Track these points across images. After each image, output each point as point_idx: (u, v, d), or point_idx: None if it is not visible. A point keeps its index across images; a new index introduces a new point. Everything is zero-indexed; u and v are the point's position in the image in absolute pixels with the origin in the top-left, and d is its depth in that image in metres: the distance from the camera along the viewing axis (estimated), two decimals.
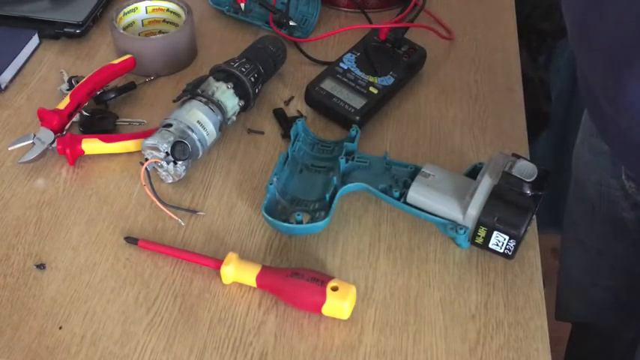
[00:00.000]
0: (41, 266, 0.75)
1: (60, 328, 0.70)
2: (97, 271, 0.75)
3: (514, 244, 0.73)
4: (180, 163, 0.81)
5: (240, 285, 0.74)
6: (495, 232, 0.73)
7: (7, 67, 0.96)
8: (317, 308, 0.70)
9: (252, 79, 0.90)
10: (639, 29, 0.63)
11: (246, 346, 0.69)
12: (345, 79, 0.93)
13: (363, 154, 0.84)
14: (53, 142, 0.85)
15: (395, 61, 0.96)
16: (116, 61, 0.93)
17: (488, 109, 0.95)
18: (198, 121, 0.83)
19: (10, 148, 0.85)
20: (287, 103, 0.95)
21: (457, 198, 0.76)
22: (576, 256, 1.09)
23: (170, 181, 0.84)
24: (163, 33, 1.02)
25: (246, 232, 0.79)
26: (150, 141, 0.81)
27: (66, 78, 0.96)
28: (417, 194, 0.77)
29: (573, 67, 1.53)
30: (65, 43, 1.03)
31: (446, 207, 0.76)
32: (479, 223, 0.74)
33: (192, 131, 0.82)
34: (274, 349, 0.69)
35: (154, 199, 0.80)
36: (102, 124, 0.90)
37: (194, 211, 0.81)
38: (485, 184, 0.75)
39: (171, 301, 0.73)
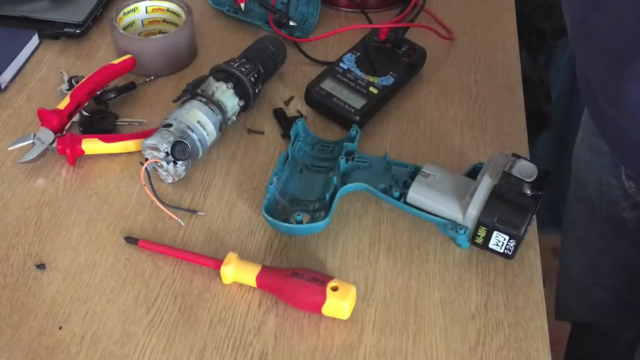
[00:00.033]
0: (41, 266, 0.75)
1: (60, 328, 0.70)
2: (97, 271, 0.75)
3: (514, 244, 0.73)
4: (180, 163, 0.81)
5: (240, 285, 0.74)
6: (495, 232, 0.73)
7: (7, 67, 0.96)
8: (317, 308, 0.70)
9: (252, 79, 0.90)
10: (639, 29, 0.63)
11: (246, 346, 0.69)
12: (345, 79, 0.93)
13: (363, 154, 0.84)
14: (53, 142, 0.85)
15: (395, 61, 0.96)
16: (116, 61, 0.93)
17: (488, 109, 0.95)
18: (198, 121, 0.83)
19: (10, 148, 0.85)
20: (287, 103, 0.95)
21: (457, 198, 0.76)
22: (576, 256, 1.09)
23: (170, 181, 0.84)
24: (163, 33, 1.02)
25: (246, 232, 0.79)
26: (150, 141, 0.81)
27: (66, 78, 0.96)
28: (417, 194, 0.77)
29: (573, 67, 1.53)
30: (65, 43, 1.03)
31: (446, 207, 0.76)
32: (479, 223, 0.74)
33: (192, 131, 0.82)
34: (274, 349, 0.69)
35: (154, 199, 0.80)
36: (102, 124, 0.90)
37: (194, 211, 0.81)
38: (485, 184, 0.75)
39: (171, 301, 0.73)
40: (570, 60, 1.55)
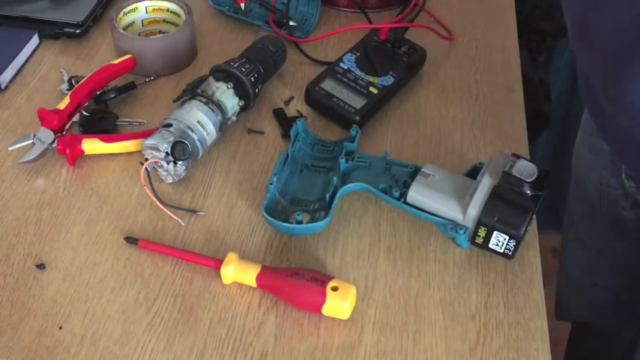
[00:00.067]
0: (41, 266, 0.75)
1: (60, 328, 0.70)
2: (97, 271, 0.75)
3: (514, 244, 0.73)
4: (180, 163, 0.81)
5: (240, 285, 0.74)
6: (495, 232, 0.73)
7: (7, 67, 0.96)
8: (317, 308, 0.70)
9: (252, 79, 0.90)
10: (639, 29, 0.63)
11: (246, 346, 0.69)
12: (345, 79, 0.93)
13: (363, 154, 0.84)
14: (53, 142, 0.85)
15: (395, 61, 0.96)
16: (116, 61, 0.93)
17: (488, 109, 0.95)
18: (198, 121, 0.83)
19: (10, 148, 0.85)
20: (287, 103, 0.95)
21: (457, 198, 0.76)
22: (576, 256, 1.09)
23: (170, 181, 0.84)
24: (163, 33, 1.02)
25: (246, 232, 0.79)
26: (150, 141, 0.81)
27: (66, 78, 0.96)
28: (417, 194, 0.77)
29: (573, 66, 1.53)
30: (65, 43, 1.03)
31: (446, 207, 0.76)
32: (479, 223, 0.74)
33: (192, 131, 0.82)
34: (274, 349, 0.69)
35: (154, 199, 0.80)
36: (102, 124, 0.90)
37: (194, 211, 0.81)
38: (485, 184, 0.75)
39: (171, 301, 0.73)
40: (570, 60, 1.55)
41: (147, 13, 1.02)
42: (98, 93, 0.92)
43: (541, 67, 1.54)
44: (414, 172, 0.80)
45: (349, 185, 0.80)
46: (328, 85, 0.92)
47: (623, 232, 0.95)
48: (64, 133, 0.87)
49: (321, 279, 0.71)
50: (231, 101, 0.87)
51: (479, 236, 0.75)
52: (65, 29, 1.03)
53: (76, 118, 0.90)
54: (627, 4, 0.64)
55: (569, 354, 1.30)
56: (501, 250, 0.75)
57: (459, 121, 0.93)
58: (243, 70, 0.89)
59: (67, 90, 0.92)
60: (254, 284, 0.73)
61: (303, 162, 0.85)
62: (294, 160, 0.85)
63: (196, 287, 0.74)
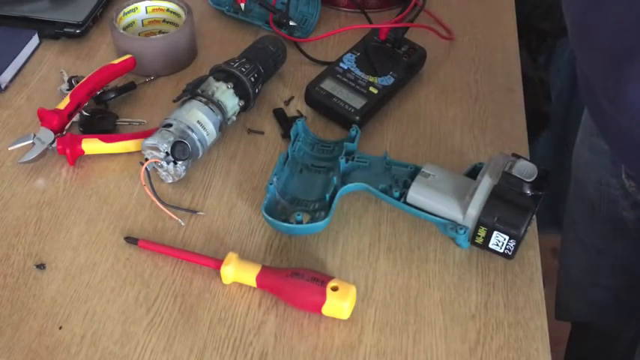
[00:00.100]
0: (41, 266, 0.75)
1: (60, 328, 0.70)
2: (97, 271, 0.75)
3: (514, 244, 0.73)
4: (180, 163, 0.81)
5: (240, 285, 0.74)
6: (495, 232, 0.73)
7: (7, 67, 0.96)
8: (317, 308, 0.70)
9: (252, 79, 0.90)
10: (639, 29, 0.63)
11: (246, 346, 0.69)
12: (345, 79, 0.93)
13: (363, 154, 0.84)
14: (53, 142, 0.85)
15: (395, 61, 0.96)
16: (116, 61, 0.93)
17: (488, 109, 0.95)
18: (198, 121, 0.83)
19: (10, 148, 0.85)
20: (287, 103, 0.95)
21: (457, 198, 0.76)
22: (576, 256, 1.09)
23: (170, 181, 0.84)
24: (163, 33, 1.02)
25: (246, 232, 0.79)
26: (150, 141, 0.81)
27: (66, 78, 0.96)
28: (417, 194, 0.77)
29: (573, 66, 1.53)
30: (65, 43, 1.03)
31: (446, 207, 0.76)
32: (479, 223, 0.74)
33: (192, 131, 0.82)
34: (274, 349, 0.69)
35: (154, 199, 0.80)
36: (102, 124, 0.90)
37: (194, 211, 0.81)
38: (485, 184, 0.75)
39: (171, 301, 0.73)
40: (570, 60, 1.55)
41: (147, 13, 1.02)
42: (98, 93, 0.92)
43: (541, 67, 1.54)
44: (414, 172, 0.80)
45: (349, 185, 0.80)
46: (328, 85, 0.92)
47: (623, 232, 0.95)
48: (64, 133, 0.87)
49: (321, 279, 0.71)
50: (231, 101, 0.87)
51: (479, 236, 0.75)
52: (65, 29, 1.03)
53: (76, 118, 0.90)
54: (627, 4, 0.64)
55: (569, 354, 1.30)
56: (501, 250, 0.75)
57: (459, 121, 0.93)
58: (243, 70, 0.89)
59: (67, 90, 0.92)
60: (254, 284, 0.73)
61: (303, 162, 0.85)
62: (294, 160, 0.85)
63: (196, 287, 0.74)
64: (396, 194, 0.78)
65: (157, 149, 0.80)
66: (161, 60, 0.97)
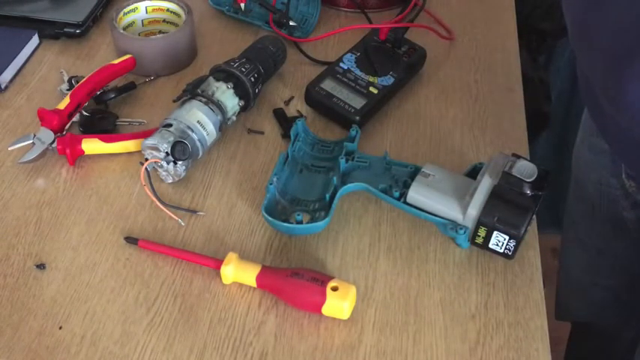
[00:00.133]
0: (41, 266, 0.75)
1: (60, 328, 0.70)
2: (97, 271, 0.75)
3: (514, 244, 0.73)
4: (180, 163, 0.81)
5: (240, 285, 0.74)
6: (495, 232, 0.73)
7: (7, 67, 0.96)
8: (317, 308, 0.70)
9: (252, 79, 0.90)
10: (639, 29, 0.63)
11: (246, 346, 0.69)
12: (345, 79, 0.93)
13: (363, 154, 0.84)
14: (53, 142, 0.85)
15: (395, 61, 0.96)
16: (116, 61, 0.93)
17: (488, 109, 0.95)
18: (198, 121, 0.83)
19: (10, 148, 0.85)
20: (287, 103, 0.95)
21: (457, 198, 0.76)
22: (576, 256, 1.09)
23: (170, 181, 0.84)
24: (163, 33, 1.02)
25: (246, 232, 0.79)
26: (150, 141, 0.81)
27: (66, 78, 0.96)
28: (417, 194, 0.77)
29: (573, 67, 1.53)
30: (65, 43, 1.03)
31: (446, 207, 0.76)
32: (479, 223, 0.74)
33: (192, 131, 0.82)
34: (274, 349, 0.69)
35: (154, 199, 0.80)
36: (102, 124, 0.90)
37: (194, 211, 0.81)
38: (485, 184, 0.75)
39: (171, 301, 0.73)
40: (570, 60, 1.55)
41: (147, 13, 1.02)
42: (98, 93, 0.92)
43: (541, 67, 1.54)
44: (414, 172, 0.80)
45: (349, 185, 0.80)
46: (328, 85, 0.92)
47: (623, 232, 0.95)
48: (64, 133, 0.87)
49: (321, 279, 0.71)
50: (231, 101, 0.87)
51: (479, 236, 0.75)
52: (65, 29, 1.03)
53: (76, 118, 0.90)
54: (627, 4, 0.64)
55: (569, 354, 1.30)
56: (501, 250, 0.75)
57: (459, 121, 0.93)
58: (243, 70, 0.89)
59: (67, 90, 0.92)
60: (254, 284, 0.73)
61: (303, 162, 0.85)
62: (294, 160, 0.85)
63: (196, 287, 0.74)
64: (396, 194, 0.78)
65: (157, 149, 0.80)
66: (161, 60, 0.97)
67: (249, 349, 0.69)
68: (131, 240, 0.77)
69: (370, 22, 1.08)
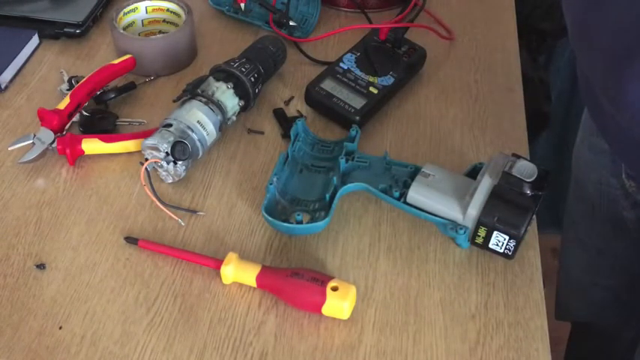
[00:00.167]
0: (41, 266, 0.75)
1: (60, 328, 0.70)
2: (97, 271, 0.75)
3: (514, 244, 0.73)
4: (180, 163, 0.81)
5: (240, 285, 0.74)
6: (495, 232, 0.73)
7: (7, 67, 0.96)
8: (317, 308, 0.70)
9: (252, 79, 0.90)
10: (639, 29, 0.63)
11: (246, 346, 0.69)
12: (345, 79, 0.93)
13: (363, 154, 0.84)
14: (53, 142, 0.85)
15: (395, 61, 0.96)
16: (116, 61, 0.93)
17: (488, 109, 0.95)
18: (198, 121, 0.83)
19: (10, 148, 0.85)
20: (287, 103, 0.95)
21: (457, 198, 0.76)
22: (576, 256, 1.09)
23: (170, 181, 0.84)
24: (163, 33, 1.02)
25: (246, 232, 0.79)
26: (150, 141, 0.81)
27: (66, 78, 0.96)
28: (417, 194, 0.77)
29: (573, 66, 1.53)
30: (65, 43, 1.03)
31: (446, 207, 0.76)
32: (479, 223, 0.74)
33: (192, 131, 0.82)
34: (274, 349, 0.69)
35: (154, 199, 0.80)
36: (102, 124, 0.90)
37: (194, 211, 0.81)
38: (485, 184, 0.75)
39: (171, 301, 0.73)
40: (570, 60, 1.55)
41: (147, 13, 1.02)
42: (98, 93, 0.92)
43: (541, 67, 1.54)
44: (414, 172, 0.80)
45: (349, 185, 0.80)
46: (328, 85, 0.92)
47: (623, 232, 0.95)
48: (64, 133, 0.87)
49: (321, 279, 0.71)
50: (231, 101, 0.87)
51: (479, 236, 0.75)
52: (65, 29, 1.03)
53: (76, 118, 0.90)
54: (627, 4, 0.64)
55: (569, 354, 1.30)
56: (501, 250, 0.75)
57: (459, 121, 0.93)
58: (243, 70, 0.89)
59: (67, 90, 0.92)
60: (254, 284, 0.73)
61: (303, 162, 0.85)
62: (294, 160, 0.85)
63: (196, 287, 0.74)
64: (396, 194, 0.78)
65: (157, 149, 0.80)
66: (161, 60, 0.97)
67: (249, 349, 0.69)
68: (131, 240, 0.77)
69: (370, 22, 1.08)
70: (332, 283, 0.70)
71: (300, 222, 0.76)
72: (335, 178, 0.79)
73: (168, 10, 1.02)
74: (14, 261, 0.76)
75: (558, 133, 1.61)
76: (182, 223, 0.80)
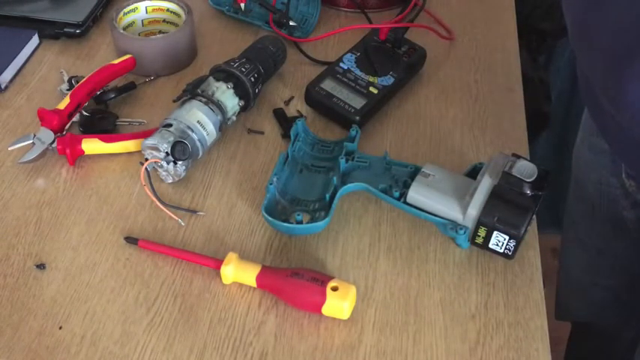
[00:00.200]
0: (41, 266, 0.75)
1: (60, 328, 0.70)
2: (97, 271, 0.75)
3: (514, 244, 0.73)
4: (180, 163, 0.81)
5: (240, 285, 0.74)
6: (495, 232, 0.73)
7: (7, 67, 0.96)
8: (317, 308, 0.70)
9: (252, 79, 0.90)
10: (639, 29, 0.63)
11: (246, 346, 0.69)
12: (345, 79, 0.93)
13: (363, 154, 0.84)
14: (53, 142, 0.85)
15: (395, 61, 0.96)
16: (116, 61, 0.93)
17: (488, 109, 0.95)
18: (198, 121, 0.83)
19: (10, 148, 0.85)
20: (287, 103, 0.95)
21: (457, 198, 0.76)
22: (576, 256, 1.09)
23: (170, 181, 0.84)
24: (163, 33, 1.02)
25: (246, 232, 0.79)
26: (150, 141, 0.81)
27: (66, 78, 0.96)
28: (417, 194, 0.77)
29: (573, 66, 1.53)
30: (65, 43, 1.03)
31: (446, 207, 0.76)
32: (479, 223, 0.74)
33: (192, 131, 0.82)
34: (274, 349, 0.69)
35: (154, 199, 0.80)
36: (102, 124, 0.90)
37: (194, 211, 0.81)
38: (485, 184, 0.75)
39: (171, 301, 0.73)
40: (570, 60, 1.55)
41: (147, 13, 1.02)
42: (98, 93, 0.92)
43: (541, 67, 1.54)
44: (414, 172, 0.80)
45: (349, 185, 0.80)
46: (328, 85, 0.92)
47: (623, 232, 0.95)
48: (64, 133, 0.87)
49: (321, 279, 0.71)
50: (231, 101, 0.87)
51: (479, 236, 0.75)
52: (65, 29, 1.03)
53: (76, 118, 0.90)
54: (627, 4, 0.64)
55: (569, 354, 1.30)
56: (501, 250, 0.75)
57: (459, 121, 0.93)
58: (243, 70, 0.89)
59: (67, 90, 0.92)
60: (254, 284, 0.73)
61: (303, 162, 0.85)
62: (294, 160, 0.85)
63: (196, 287, 0.74)
64: (396, 194, 0.78)
65: (157, 149, 0.80)
66: (161, 60, 0.97)
67: (249, 349, 0.69)
68: (131, 240, 0.77)
69: (370, 22, 1.08)
70: (332, 283, 0.70)
71: (300, 222, 0.76)
72: (335, 178, 0.79)
73: (168, 10, 1.02)
74: (14, 261, 0.76)
75: (558, 133, 1.61)
76: (182, 223, 0.80)
